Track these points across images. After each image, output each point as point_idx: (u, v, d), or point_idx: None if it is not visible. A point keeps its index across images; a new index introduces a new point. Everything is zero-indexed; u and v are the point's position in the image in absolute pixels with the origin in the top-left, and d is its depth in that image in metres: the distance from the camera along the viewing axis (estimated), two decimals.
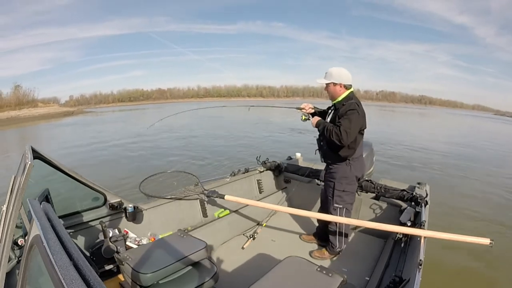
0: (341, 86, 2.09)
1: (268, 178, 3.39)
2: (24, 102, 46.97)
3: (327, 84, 2.12)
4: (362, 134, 2.13)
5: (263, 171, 3.33)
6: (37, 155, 1.47)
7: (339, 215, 2.21)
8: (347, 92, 2.10)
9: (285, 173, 3.43)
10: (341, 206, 2.22)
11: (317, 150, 2.36)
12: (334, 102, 2.17)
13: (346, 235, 2.34)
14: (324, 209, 2.45)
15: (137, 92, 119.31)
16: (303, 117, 2.36)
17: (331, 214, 2.24)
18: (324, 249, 2.41)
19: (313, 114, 2.38)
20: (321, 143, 2.27)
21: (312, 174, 3.11)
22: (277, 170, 3.40)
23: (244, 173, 3.16)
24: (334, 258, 2.38)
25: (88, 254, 1.80)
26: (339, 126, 1.97)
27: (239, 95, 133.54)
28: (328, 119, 2.21)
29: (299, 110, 2.41)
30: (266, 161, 3.39)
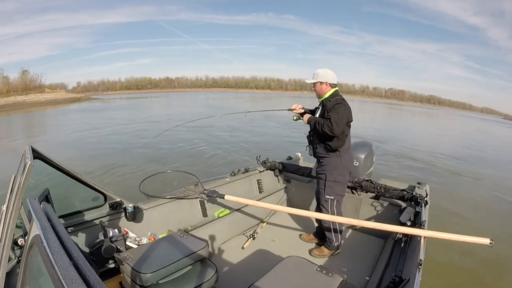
0: (327, 85, 2.28)
1: (268, 178, 3.38)
2: (31, 87, 45.10)
3: (314, 84, 2.32)
4: (349, 126, 2.26)
5: (263, 171, 3.33)
6: (37, 155, 1.46)
7: (331, 207, 2.31)
8: (333, 90, 2.29)
9: (285, 173, 3.43)
10: (332, 197, 2.30)
11: (308, 146, 2.48)
12: (321, 99, 2.33)
13: (341, 232, 2.38)
14: (318, 205, 2.50)
15: (145, 80, 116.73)
16: (295, 117, 2.53)
17: (322, 206, 2.35)
18: (323, 247, 2.44)
19: (302, 114, 2.50)
20: (311, 138, 2.40)
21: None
22: (277, 170, 3.40)
23: (244, 173, 3.15)
24: (334, 258, 2.38)
25: (88, 253, 1.80)
26: (329, 118, 2.13)
27: (247, 86, 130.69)
28: (317, 115, 2.35)
29: (290, 111, 2.56)
30: (266, 161, 3.39)
